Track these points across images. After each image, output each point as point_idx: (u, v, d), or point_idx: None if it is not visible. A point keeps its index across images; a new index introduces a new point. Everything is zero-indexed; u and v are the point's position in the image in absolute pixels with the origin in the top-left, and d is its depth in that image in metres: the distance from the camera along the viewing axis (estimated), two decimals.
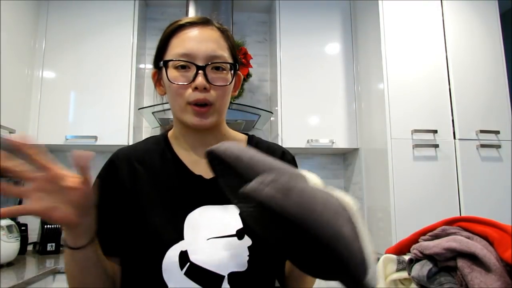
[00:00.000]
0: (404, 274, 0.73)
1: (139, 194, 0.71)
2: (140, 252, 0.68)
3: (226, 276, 0.66)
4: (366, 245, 0.44)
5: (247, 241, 0.68)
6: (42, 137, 2.22)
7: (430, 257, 0.66)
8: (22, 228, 2.14)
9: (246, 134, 0.86)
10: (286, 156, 0.83)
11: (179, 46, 0.72)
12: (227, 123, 0.83)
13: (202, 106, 0.71)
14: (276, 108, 2.47)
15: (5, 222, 1.86)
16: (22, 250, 2.08)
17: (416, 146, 2.05)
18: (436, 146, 2.06)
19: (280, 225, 0.44)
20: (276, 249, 0.53)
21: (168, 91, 0.74)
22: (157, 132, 2.63)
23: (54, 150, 2.51)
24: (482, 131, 2.11)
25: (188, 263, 0.65)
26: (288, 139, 2.37)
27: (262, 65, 2.81)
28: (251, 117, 2.30)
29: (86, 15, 2.37)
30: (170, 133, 0.81)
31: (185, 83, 0.70)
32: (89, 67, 2.32)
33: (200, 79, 0.69)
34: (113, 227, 0.71)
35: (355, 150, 2.49)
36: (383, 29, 2.17)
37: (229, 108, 0.80)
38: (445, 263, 0.64)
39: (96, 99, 2.29)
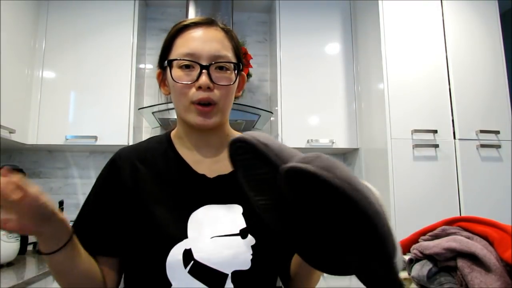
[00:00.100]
0: (404, 274, 0.74)
1: (142, 193, 0.72)
2: (144, 251, 0.68)
3: (230, 275, 0.66)
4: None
5: (250, 240, 0.69)
6: (42, 137, 2.23)
7: (430, 257, 0.66)
8: None
9: None
10: None
11: (183, 46, 0.73)
12: None
13: (205, 105, 0.71)
14: (276, 108, 2.47)
15: None
16: (22, 250, 2.08)
17: (416, 146, 2.05)
18: (436, 146, 2.06)
19: (326, 202, 0.44)
20: (301, 238, 0.52)
21: (172, 90, 0.74)
22: (157, 132, 2.63)
23: (54, 150, 2.52)
24: (482, 131, 2.11)
25: (192, 261, 0.66)
26: (288, 139, 2.37)
27: (262, 65, 2.81)
28: (251, 117, 2.30)
29: (86, 15, 2.37)
30: (173, 133, 0.82)
31: (189, 82, 0.71)
32: (89, 67, 2.32)
33: (204, 78, 0.70)
34: (114, 227, 0.71)
35: (355, 150, 2.49)
36: (383, 29, 2.17)
37: None
38: (445, 263, 0.64)
39: (96, 99, 2.29)
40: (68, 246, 0.62)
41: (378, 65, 2.18)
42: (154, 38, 2.75)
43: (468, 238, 0.65)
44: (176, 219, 0.69)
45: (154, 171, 0.74)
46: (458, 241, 0.63)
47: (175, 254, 0.66)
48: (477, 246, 0.61)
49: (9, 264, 1.84)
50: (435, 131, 2.08)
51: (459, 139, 2.09)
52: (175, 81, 0.71)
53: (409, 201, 1.99)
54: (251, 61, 2.58)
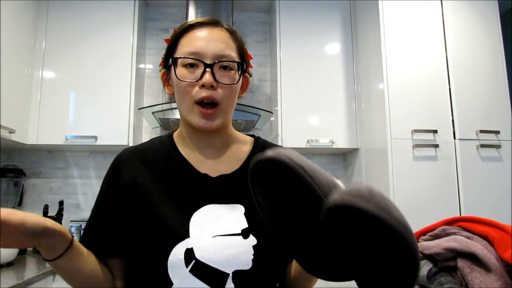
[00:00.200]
0: None
1: (143, 194, 0.72)
2: (146, 250, 0.69)
3: (231, 274, 0.66)
4: None
5: (252, 240, 0.69)
6: (42, 137, 2.23)
7: (430, 257, 0.66)
8: None
9: (252, 136, 0.86)
10: None
11: (188, 45, 0.73)
12: None
13: (208, 107, 0.71)
14: (276, 108, 2.47)
15: None
16: (22, 250, 2.08)
17: (416, 146, 2.05)
18: (436, 146, 2.06)
19: (374, 238, 0.44)
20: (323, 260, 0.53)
21: (176, 89, 0.75)
22: (157, 132, 2.64)
23: (54, 150, 2.52)
24: (482, 131, 2.11)
25: (194, 261, 0.66)
26: (288, 139, 2.37)
27: (262, 65, 2.81)
28: (251, 117, 2.30)
29: (86, 15, 2.37)
30: (175, 133, 0.82)
31: (193, 81, 0.71)
32: (89, 67, 2.32)
33: (207, 77, 0.70)
34: (119, 229, 0.72)
35: (355, 150, 2.49)
36: (383, 29, 2.17)
37: None
38: (445, 263, 0.64)
39: (96, 99, 2.29)
40: (69, 252, 0.64)
41: (378, 65, 2.18)
42: (154, 38, 2.75)
43: (468, 238, 0.65)
44: (178, 219, 0.69)
45: (156, 171, 0.75)
46: (458, 241, 0.63)
47: (177, 253, 0.66)
48: (477, 246, 0.61)
49: (9, 264, 1.84)
50: (435, 131, 2.08)
51: (459, 139, 2.09)
52: (179, 79, 0.72)
53: (409, 201, 1.99)
54: (251, 61, 2.57)
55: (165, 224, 0.68)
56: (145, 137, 2.61)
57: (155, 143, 0.81)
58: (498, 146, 2.11)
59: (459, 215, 2.00)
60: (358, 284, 0.49)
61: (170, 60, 0.74)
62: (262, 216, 0.55)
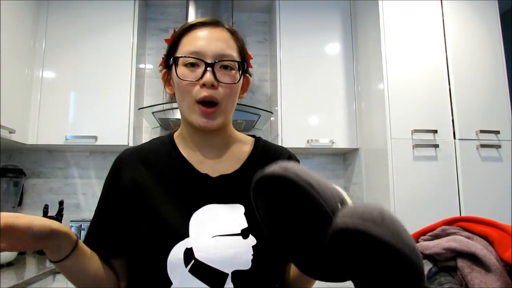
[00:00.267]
0: None
1: (144, 194, 0.72)
2: (146, 250, 0.69)
3: (230, 274, 0.66)
4: None
5: (251, 240, 0.69)
6: (42, 137, 2.23)
7: (430, 257, 0.66)
8: None
9: (253, 136, 0.87)
10: (292, 159, 0.83)
11: (189, 44, 0.74)
12: None
13: (209, 106, 0.71)
14: (276, 108, 2.47)
15: None
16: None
17: (416, 146, 2.05)
18: (436, 146, 2.06)
19: (382, 260, 0.44)
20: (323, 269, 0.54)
21: (176, 89, 0.75)
22: (157, 132, 2.64)
23: (54, 150, 2.52)
24: (482, 131, 2.11)
25: (193, 260, 0.66)
26: (288, 139, 2.37)
27: (262, 65, 2.81)
28: (251, 117, 2.30)
29: (86, 15, 2.37)
30: (176, 134, 0.83)
31: (194, 80, 0.71)
32: (89, 67, 2.33)
33: (208, 76, 0.70)
34: (119, 230, 0.73)
35: (355, 150, 2.49)
36: (383, 29, 2.17)
37: None
38: (445, 263, 0.64)
39: (96, 99, 2.29)
40: (74, 253, 0.65)
41: (378, 65, 2.18)
42: (154, 38, 2.75)
43: (468, 238, 0.65)
44: (178, 218, 0.69)
45: (157, 172, 0.75)
46: (458, 241, 0.63)
47: (176, 253, 0.66)
48: (477, 246, 0.61)
49: (9, 264, 1.84)
50: (435, 131, 2.08)
51: (459, 139, 2.09)
52: (180, 78, 0.72)
53: (409, 201, 1.99)
54: (251, 61, 2.57)
55: (164, 224, 0.69)
56: (145, 137, 2.61)
57: (156, 144, 0.81)
58: (498, 146, 2.11)
59: (459, 215, 2.00)
60: (355, 285, 0.50)
61: (171, 59, 0.74)
62: (263, 226, 0.55)
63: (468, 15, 2.26)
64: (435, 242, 0.67)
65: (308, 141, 2.39)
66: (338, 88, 2.50)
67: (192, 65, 0.72)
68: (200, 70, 0.71)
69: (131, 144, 2.27)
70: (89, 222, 0.79)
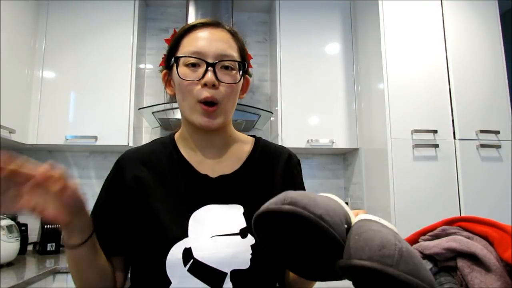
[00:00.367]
0: None
1: (145, 194, 0.73)
2: (145, 249, 0.70)
3: (229, 274, 0.67)
4: None
5: (250, 239, 0.69)
6: (42, 137, 2.23)
7: (430, 257, 0.66)
8: (22, 228, 2.14)
9: (253, 136, 0.87)
10: (292, 159, 0.83)
11: (190, 45, 0.74)
12: None
13: (210, 105, 0.72)
14: (276, 108, 2.47)
15: (5, 222, 1.86)
16: (22, 250, 2.08)
17: (416, 146, 2.05)
18: (436, 146, 2.06)
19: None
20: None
21: (177, 89, 0.75)
22: (157, 132, 2.64)
23: (54, 150, 2.52)
24: (482, 131, 2.11)
25: (192, 260, 0.67)
26: (288, 139, 2.37)
27: (262, 65, 2.81)
28: (251, 117, 2.30)
29: (86, 15, 2.37)
30: (177, 134, 0.83)
31: (195, 80, 0.72)
32: (89, 67, 2.32)
33: (209, 75, 0.71)
34: (119, 228, 0.73)
35: (355, 150, 2.49)
36: (383, 29, 2.17)
37: None
38: (445, 263, 0.64)
39: (96, 99, 2.29)
40: (90, 241, 0.66)
41: (378, 65, 2.18)
42: (154, 38, 2.75)
43: (468, 238, 0.65)
44: (178, 218, 0.70)
45: (157, 172, 0.76)
46: (458, 241, 0.63)
47: (175, 252, 0.67)
48: (477, 246, 0.61)
49: (9, 264, 1.84)
50: (435, 131, 2.08)
51: (459, 139, 2.09)
52: (181, 78, 0.72)
53: (409, 201, 1.99)
54: (251, 61, 2.57)
55: (164, 224, 0.69)
56: (145, 137, 2.61)
57: (157, 145, 0.82)
58: (498, 146, 2.11)
59: (459, 215, 2.00)
60: (354, 284, 0.50)
61: (173, 59, 0.75)
62: (265, 249, 0.56)
63: (468, 15, 2.26)
64: (435, 242, 0.67)
65: (308, 141, 2.39)
66: (338, 88, 2.50)
67: (193, 65, 0.72)
68: (201, 70, 0.72)
69: (131, 144, 2.27)
70: None
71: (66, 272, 1.81)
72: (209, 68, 0.71)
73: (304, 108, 2.44)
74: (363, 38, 2.44)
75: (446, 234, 0.69)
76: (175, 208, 0.71)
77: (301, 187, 0.83)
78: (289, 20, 2.54)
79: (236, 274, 0.67)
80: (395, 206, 1.98)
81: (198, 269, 0.66)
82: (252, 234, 0.70)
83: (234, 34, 0.79)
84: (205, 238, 0.68)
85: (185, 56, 0.73)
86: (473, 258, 0.61)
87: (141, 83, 2.57)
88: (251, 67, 2.59)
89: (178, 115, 2.17)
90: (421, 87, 2.13)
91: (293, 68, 2.48)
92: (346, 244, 0.47)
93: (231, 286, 0.66)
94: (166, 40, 2.54)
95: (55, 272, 1.81)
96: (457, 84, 2.14)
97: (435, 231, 0.71)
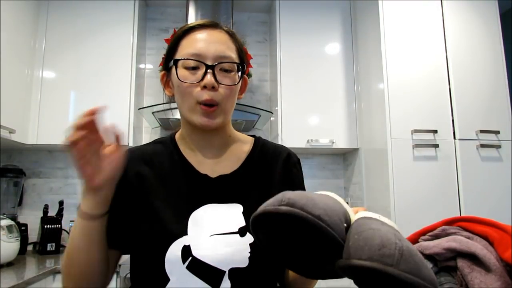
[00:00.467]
0: None
1: (146, 192, 0.74)
2: (145, 246, 0.70)
3: (227, 272, 0.67)
4: None
5: (249, 238, 0.70)
6: (42, 137, 2.23)
7: (430, 257, 0.66)
8: (22, 228, 2.14)
9: (253, 136, 0.87)
10: (291, 158, 0.83)
11: (189, 47, 0.74)
12: None
13: (210, 106, 0.72)
14: (276, 108, 2.47)
15: (5, 222, 1.86)
16: (22, 250, 2.08)
17: (416, 146, 2.05)
18: (436, 146, 2.06)
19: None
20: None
21: (176, 91, 0.75)
22: (157, 132, 2.63)
23: (54, 150, 2.52)
24: (482, 131, 2.11)
25: (190, 257, 0.67)
26: (288, 139, 2.37)
27: (262, 65, 2.81)
28: (251, 117, 2.30)
29: (86, 15, 2.37)
30: (177, 134, 0.84)
31: (194, 82, 0.72)
32: (89, 67, 2.32)
33: (209, 78, 0.71)
34: (119, 221, 0.73)
35: (355, 150, 2.49)
36: (383, 29, 2.17)
37: None
38: (445, 263, 0.64)
39: (96, 99, 2.29)
40: (105, 218, 0.68)
41: (378, 65, 2.17)
42: (154, 38, 2.75)
43: (468, 238, 0.65)
44: (177, 217, 0.70)
45: (159, 172, 0.76)
46: (458, 241, 0.63)
47: (174, 250, 0.67)
48: (477, 246, 0.61)
49: (9, 264, 1.84)
50: (435, 131, 2.08)
51: (459, 139, 2.09)
52: (180, 81, 0.72)
53: (409, 201, 1.99)
54: (251, 61, 2.58)
55: (163, 222, 0.70)
56: (145, 137, 2.61)
57: (158, 145, 0.83)
58: (498, 146, 2.11)
59: (459, 215, 2.00)
60: (355, 283, 0.50)
61: (172, 61, 0.75)
62: (263, 249, 0.56)
63: (468, 15, 2.26)
64: (435, 242, 0.67)
65: (308, 141, 2.39)
66: (338, 88, 2.50)
67: (193, 67, 0.73)
68: (201, 72, 0.72)
69: (131, 144, 2.27)
70: None
71: None
72: (208, 70, 0.71)
73: (304, 108, 2.44)
74: (363, 38, 2.44)
75: (446, 234, 0.69)
76: (175, 207, 0.72)
77: (301, 186, 0.83)
78: (289, 20, 2.54)
79: (234, 273, 0.67)
80: (395, 206, 1.98)
81: (196, 267, 0.67)
82: (251, 233, 0.70)
83: (232, 35, 0.79)
84: (204, 236, 0.69)
85: (184, 59, 0.73)
86: (473, 258, 0.61)
87: (141, 83, 2.57)
88: (251, 67, 2.58)
89: (177, 115, 2.16)
90: (421, 87, 2.13)
91: (293, 68, 2.48)
92: (346, 244, 0.46)
93: (230, 284, 0.67)
94: (166, 40, 2.54)
95: (55, 272, 1.81)
96: (457, 84, 2.14)
97: (435, 231, 0.70)
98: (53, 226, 2.19)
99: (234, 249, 0.68)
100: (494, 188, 2.05)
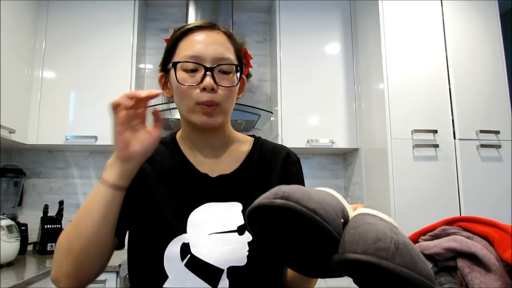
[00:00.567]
0: None
1: (147, 190, 0.74)
2: (144, 243, 0.71)
3: (225, 270, 0.68)
4: None
5: (247, 236, 0.70)
6: (42, 137, 2.23)
7: (430, 257, 0.66)
8: (22, 228, 2.14)
9: (252, 136, 0.88)
10: (291, 157, 0.83)
11: (187, 49, 0.74)
12: None
13: (209, 105, 0.73)
14: (276, 108, 2.47)
15: (5, 222, 1.86)
16: (22, 250, 2.08)
17: (416, 146, 2.05)
18: (436, 146, 2.06)
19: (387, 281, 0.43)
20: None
21: (176, 92, 0.76)
22: None
23: (54, 150, 2.52)
24: (482, 131, 2.11)
25: (189, 255, 0.68)
26: (288, 139, 2.37)
27: (262, 65, 2.81)
28: (251, 117, 2.30)
29: (86, 15, 2.37)
30: (178, 134, 0.84)
31: (194, 84, 0.72)
32: (89, 67, 2.32)
33: (208, 80, 0.71)
34: (122, 213, 0.71)
35: (355, 150, 2.49)
36: (383, 29, 2.17)
37: None
38: (445, 263, 0.64)
39: (96, 99, 2.29)
40: (123, 194, 0.67)
41: (378, 65, 2.17)
42: (154, 38, 2.75)
43: (468, 238, 0.65)
44: (177, 215, 0.71)
45: (160, 170, 0.77)
46: (458, 241, 0.63)
47: (173, 247, 0.68)
48: (477, 246, 0.61)
49: (9, 264, 1.84)
50: (435, 131, 2.08)
51: (459, 139, 2.09)
52: (180, 83, 0.73)
53: (409, 201, 1.99)
54: (251, 61, 2.57)
55: (163, 219, 0.70)
56: None
57: (159, 144, 0.82)
58: (498, 146, 2.11)
59: (459, 215, 2.00)
60: (356, 283, 0.50)
61: (171, 64, 0.75)
62: (259, 244, 0.56)
63: (468, 15, 2.26)
64: (435, 242, 0.67)
65: (308, 141, 2.39)
66: (338, 88, 2.50)
67: (192, 69, 0.73)
68: (200, 74, 0.72)
69: None
70: None
71: None
72: (208, 73, 0.72)
73: (304, 108, 2.44)
74: (363, 38, 2.44)
75: (446, 234, 0.69)
76: (175, 205, 0.72)
77: (300, 185, 0.83)
78: (289, 20, 2.54)
79: (232, 271, 0.68)
80: (395, 206, 1.98)
81: (195, 264, 0.67)
82: (249, 231, 0.70)
83: (230, 36, 0.80)
84: (203, 235, 0.69)
85: (183, 61, 0.73)
86: (473, 258, 0.61)
87: (141, 83, 2.57)
88: (251, 67, 2.58)
89: (177, 115, 2.16)
90: (421, 87, 2.13)
91: (293, 68, 2.48)
92: (342, 238, 0.46)
93: (228, 282, 0.67)
94: (166, 40, 2.53)
95: None
96: (457, 84, 2.14)
97: (435, 231, 0.71)
98: (53, 226, 2.19)
99: (232, 248, 0.69)
100: (494, 188, 2.05)
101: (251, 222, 0.53)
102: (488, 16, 2.29)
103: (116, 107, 0.64)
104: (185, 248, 0.68)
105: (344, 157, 2.73)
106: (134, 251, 0.74)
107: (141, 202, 0.73)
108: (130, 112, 0.64)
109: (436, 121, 2.10)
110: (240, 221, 0.71)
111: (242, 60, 0.81)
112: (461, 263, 0.62)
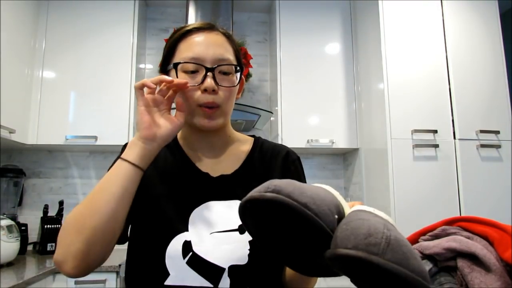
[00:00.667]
0: None
1: (149, 189, 0.74)
2: (146, 241, 0.71)
3: (227, 269, 0.68)
4: None
5: (248, 235, 0.69)
6: (42, 137, 2.23)
7: (430, 257, 0.66)
8: (22, 228, 2.14)
9: (252, 136, 0.88)
10: (291, 156, 0.84)
11: (187, 51, 0.75)
12: None
13: (210, 107, 0.73)
14: (276, 108, 2.47)
15: (5, 222, 1.86)
16: (22, 250, 2.08)
17: (416, 146, 2.05)
18: (436, 146, 2.06)
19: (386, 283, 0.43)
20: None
21: (177, 94, 0.75)
22: None
23: (54, 150, 2.52)
24: (482, 131, 2.11)
25: (191, 253, 0.68)
26: (288, 139, 2.37)
27: (262, 65, 2.81)
28: (251, 117, 2.30)
29: (86, 15, 2.37)
30: (179, 134, 0.84)
31: (195, 85, 0.72)
32: (89, 67, 2.33)
33: (209, 81, 0.71)
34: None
35: (355, 150, 2.49)
36: (383, 29, 2.17)
37: None
38: (445, 263, 0.64)
39: (96, 99, 2.29)
40: (141, 176, 0.68)
41: (378, 65, 2.18)
42: (154, 38, 2.75)
43: (468, 238, 0.65)
44: (179, 213, 0.71)
45: (161, 169, 0.77)
46: (458, 241, 0.63)
47: (175, 244, 0.69)
48: (477, 246, 0.61)
49: (9, 264, 1.84)
50: (435, 131, 2.08)
51: (459, 139, 2.09)
52: None
53: (409, 201, 1.99)
54: (251, 61, 2.57)
55: (165, 217, 0.71)
56: None
57: None
58: (498, 146, 2.11)
59: (459, 215, 2.00)
60: (353, 281, 0.49)
61: (171, 65, 0.75)
62: (253, 238, 0.55)
63: (468, 15, 2.26)
64: (435, 242, 0.67)
65: (308, 141, 2.39)
66: (338, 88, 2.50)
67: (192, 71, 0.73)
68: (200, 75, 0.73)
69: None
70: None
71: None
72: (208, 74, 0.72)
73: (304, 108, 2.44)
74: (363, 38, 2.44)
75: (446, 234, 0.69)
76: (177, 203, 0.73)
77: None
78: (289, 20, 2.54)
79: (234, 270, 0.68)
80: (395, 206, 1.98)
81: (196, 262, 0.68)
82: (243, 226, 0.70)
83: (229, 37, 0.80)
84: (205, 234, 0.70)
85: (184, 62, 0.73)
86: (473, 258, 0.61)
87: None
88: (251, 67, 2.58)
89: None
90: (421, 87, 2.13)
91: (293, 68, 2.48)
92: (334, 234, 0.45)
93: (229, 281, 0.67)
94: (166, 40, 2.54)
95: (55, 272, 1.81)
96: (457, 84, 2.14)
97: (435, 231, 0.71)
98: (53, 226, 2.19)
99: (233, 247, 0.69)
100: (494, 188, 2.05)
101: (244, 216, 0.53)
102: (488, 16, 2.29)
103: (141, 88, 0.66)
104: (187, 246, 0.68)
105: (344, 157, 2.73)
106: (135, 249, 0.74)
107: (143, 200, 0.73)
108: (157, 96, 0.68)
109: (436, 121, 2.10)
110: None
111: (241, 61, 0.81)
112: (461, 263, 0.62)
